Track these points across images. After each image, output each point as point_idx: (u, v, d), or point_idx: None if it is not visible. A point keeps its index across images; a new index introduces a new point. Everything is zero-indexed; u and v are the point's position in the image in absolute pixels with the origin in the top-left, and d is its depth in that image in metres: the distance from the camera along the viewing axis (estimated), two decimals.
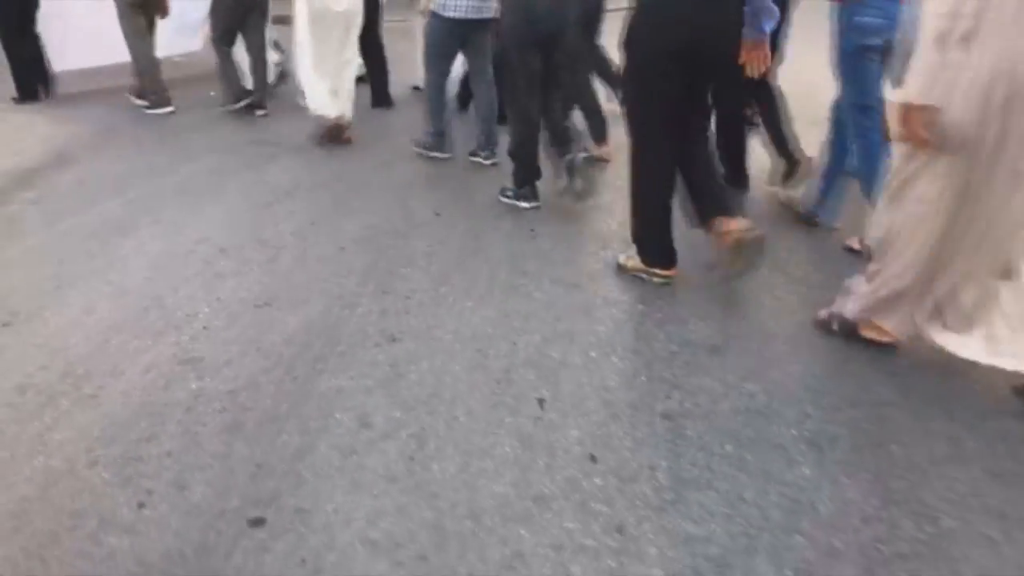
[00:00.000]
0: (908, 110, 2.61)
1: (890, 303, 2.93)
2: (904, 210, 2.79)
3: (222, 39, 6.55)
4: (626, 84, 3.59)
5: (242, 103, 6.80)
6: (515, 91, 4.50)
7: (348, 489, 2.27)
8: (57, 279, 3.62)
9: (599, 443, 2.48)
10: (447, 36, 5.16)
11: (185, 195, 4.84)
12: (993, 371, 2.82)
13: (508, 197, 4.72)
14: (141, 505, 2.21)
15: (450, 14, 4.99)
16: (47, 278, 3.63)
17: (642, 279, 3.62)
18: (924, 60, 2.56)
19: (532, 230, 4.26)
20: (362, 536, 2.09)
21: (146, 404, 2.67)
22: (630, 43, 3.38)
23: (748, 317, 3.28)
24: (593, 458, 2.41)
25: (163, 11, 6.74)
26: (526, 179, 4.64)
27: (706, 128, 3.63)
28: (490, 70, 5.36)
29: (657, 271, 3.61)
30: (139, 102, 6.95)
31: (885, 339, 2.98)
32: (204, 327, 3.20)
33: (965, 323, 2.81)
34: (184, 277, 3.65)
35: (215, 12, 6.54)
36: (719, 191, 3.52)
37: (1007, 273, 2.74)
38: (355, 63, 6.01)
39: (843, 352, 3.01)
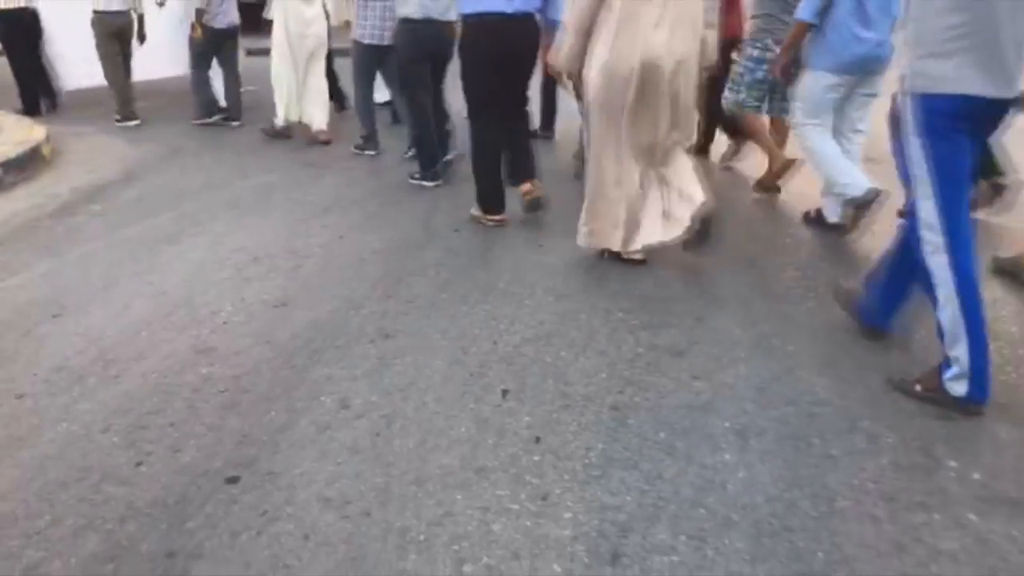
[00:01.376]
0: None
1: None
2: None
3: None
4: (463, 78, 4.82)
5: (214, 117, 7.95)
6: (413, 95, 5.72)
7: (316, 457, 2.60)
8: (105, 280, 4.07)
9: (547, 427, 2.75)
10: (365, 58, 6.40)
11: (233, 209, 5.29)
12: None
13: (416, 179, 5.91)
14: (139, 464, 2.57)
15: (366, 41, 6.32)
16: (97, 279, 4.09)
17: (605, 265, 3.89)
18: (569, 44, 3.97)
19: (540, 245, 4.56)
20: (319, 494, 2.41)
21: (160, 384, 3.06)
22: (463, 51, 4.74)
23: (717, 326, 3.50)
24: (537, 439, 2.69)
25: (141, 38, 8.07)
26: (430, 163, 5.86)
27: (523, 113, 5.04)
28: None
29: (491, 216, 4.94)
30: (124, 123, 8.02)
31: None
32: (224, 323, 3.59)
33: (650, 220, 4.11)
34: (216, 281, 4.06)
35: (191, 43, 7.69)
36: (526, 160, 4.98)
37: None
38: (323, 81, 7.41)
39: (795, 358, 3.21)
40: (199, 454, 2.62)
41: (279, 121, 7.34)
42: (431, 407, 2.89)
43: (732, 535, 2.23)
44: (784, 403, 2.89)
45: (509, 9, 4.49)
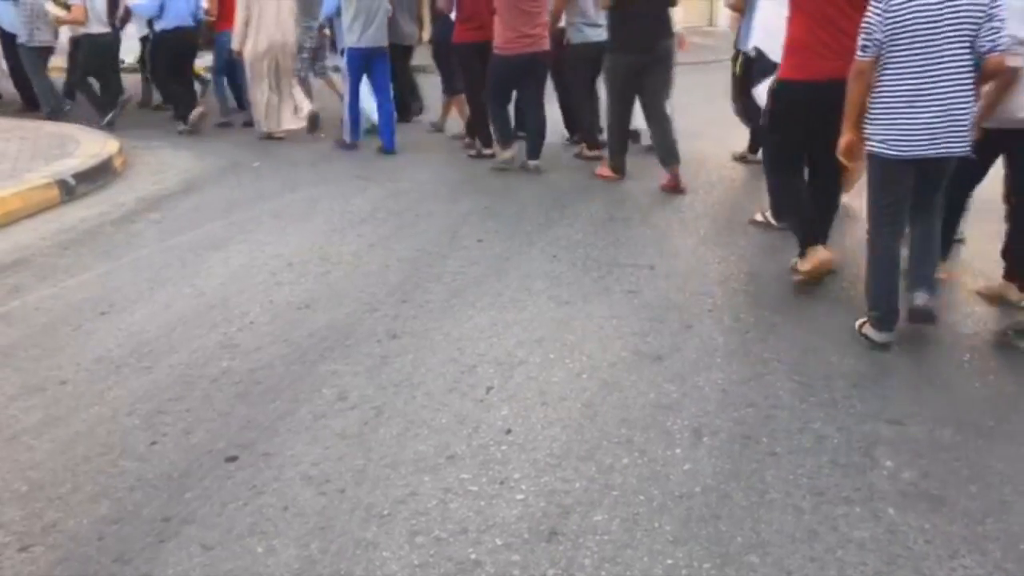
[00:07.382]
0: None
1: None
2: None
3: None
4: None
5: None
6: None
7: (308, 441, 2.90)
8: (152, 282, 4.48)
9: (519, 421, 3.01)
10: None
11: (278, 219, 5.68)
12: (885, 386, 3.17)
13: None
14: (154, 443, 2.92)
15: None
16: (145, 281, 4.49)
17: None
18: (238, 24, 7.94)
19: (555, 256, 4.81)
20: (303, 473, 2.72)
21: (184, 375, 3.41)
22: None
23: (703, 333, 3.70)
24: (509, 431, 2.94)
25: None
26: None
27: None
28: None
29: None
30: None
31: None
32: (251, 322, 3.94)
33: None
34: (251, 284, 4.43)
35: None
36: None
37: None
38: None
39: (768, 365, 3.40)
40: (207, 436, 2.96)
41: None
42: (419, 400, 3.17)
43: (664, 519, 2.45)
44: (745, 405, 3.09)
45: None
